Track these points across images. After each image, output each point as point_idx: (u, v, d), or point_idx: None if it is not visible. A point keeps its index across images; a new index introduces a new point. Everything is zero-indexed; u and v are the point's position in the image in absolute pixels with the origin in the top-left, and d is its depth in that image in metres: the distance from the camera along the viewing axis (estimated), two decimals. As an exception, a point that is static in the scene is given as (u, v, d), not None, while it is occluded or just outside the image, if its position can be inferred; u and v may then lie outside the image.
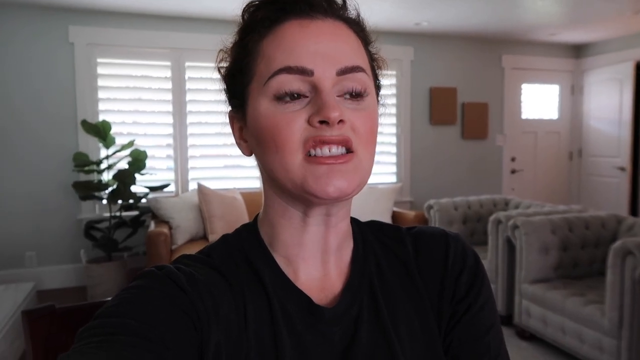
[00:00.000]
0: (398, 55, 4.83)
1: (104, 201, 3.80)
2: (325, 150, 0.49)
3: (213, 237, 3.69)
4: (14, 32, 3.76)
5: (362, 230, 0.63)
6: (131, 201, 3.70)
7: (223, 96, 0.61)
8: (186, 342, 0.46)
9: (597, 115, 5.42)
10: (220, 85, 0.60)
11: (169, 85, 4.17)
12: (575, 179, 5.73)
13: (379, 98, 0.59)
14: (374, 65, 0.58)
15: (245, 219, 3.93)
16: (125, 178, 3.59)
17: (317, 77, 0.50)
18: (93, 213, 4.00)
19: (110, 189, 3.63)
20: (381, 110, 0.60)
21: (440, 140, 5.10)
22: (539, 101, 5.60)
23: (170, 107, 4.18)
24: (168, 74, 4.17)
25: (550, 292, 2.68)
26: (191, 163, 4.29)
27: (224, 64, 0.59)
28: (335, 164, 0.49)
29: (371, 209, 4.22)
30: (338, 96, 0.51)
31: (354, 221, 0.63)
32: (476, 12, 4.20)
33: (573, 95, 5.69)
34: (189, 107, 4.23)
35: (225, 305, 0.52)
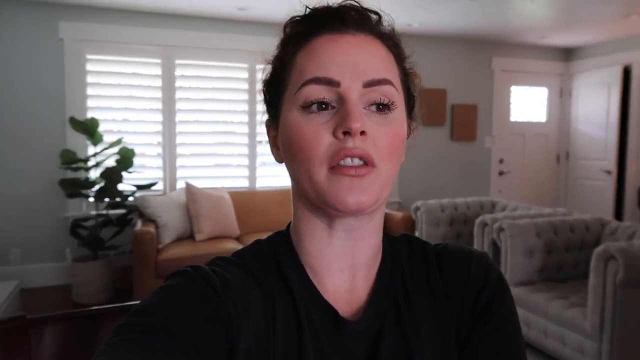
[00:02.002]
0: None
1: (91, 199, 3.78)
2: (348, 160, 0.50)
3: (200, 237, 3.68)
4: (2, 26, 3.71)
5: (392, 246, 0.63)
6: (118, 199, 3.68)
7: (262, 106, 0.63)
8: (216, 346, 0.48)
9: (584, 119, 5.47)
10: (260, 96, 0.63)
11: (159, 82, 4.15)
12: (562, 181, 5.79)
13: (413, 114, 0.61)
14: (407, 80, 0.60)
15: (233, 218, 3.93)
16: (112, 176, 3.56)
17: (343, 88, 0.51)
18: (79, 211, 3.97)
19: (97, 186, 3.60)
20: (414, 125, 0.62)
21: (429, 142, 5.12)
22: (528, 104, 5.65)
23: (160, 105, 4.16)
24: (158, 71, 4.15)
25: (534, 295, 2.70)
26: (180, 161, 4.27)
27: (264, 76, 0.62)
28: (356, 176, 0.50)
29: (359, 209, 4.22)
30: (364, 108, 0.52)
31: (385, 236, 0.63)
32: (467, 14, 4.22)
33: (561, 98, 5.73)
34: (179, 105, 4.21)
35: (256, 311, 0.53)
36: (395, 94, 0.54)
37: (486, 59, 5.32)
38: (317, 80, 0.51)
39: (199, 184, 3.98)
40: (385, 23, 0.58)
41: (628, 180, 5.01)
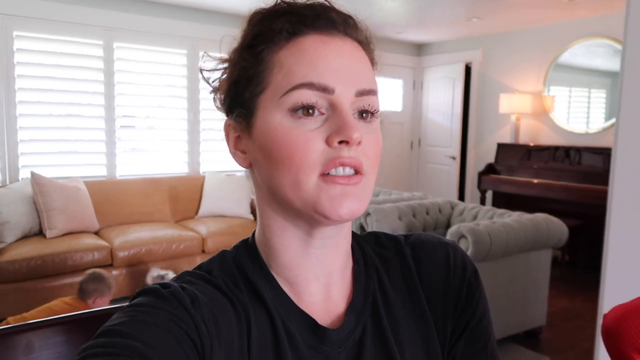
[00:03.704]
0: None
1: None
2: (340, 170, 0.49)
3: (52, 233, 3.30)
4: None
5: (360, 245, 0.62)
6: (-57, 193, 3.11)
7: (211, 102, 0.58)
8: None
9: (434, 109, 6.05)
10: (211, 91, 0.58)
11: (-9, 56, 3.58)
12: (415, 166, 6.34)
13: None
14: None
15: (91, 211, 3.59)
16: None
17: (337, 95, 0.49)
18: None
19: None
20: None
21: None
22: (386, 94, 6.05)
23: (-7, 83, 3.59)
24: (-10, 43, 3.57)
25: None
26: (22, 148, 3.75)
27: (213, 69, 0.57)
28: (348, 184, 0.49)
29: (230, 197, 4.15)
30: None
31: (352, 236, 0.61)
32: (332, 6, 4.34)
33: (414, 90, 6.25)
34: (20, 84, 3.69)
35: (228, 328, 0.51)
36: (378, 103, 0.53)
37: (349, 49, 5.55)
38: (311, 86, 0.49)
39: (47, 173, 3.54)
40: (361, 29, 0.56)
41: (469, 165, 5.67)
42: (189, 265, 3.67)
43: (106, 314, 0.77)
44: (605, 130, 4.40)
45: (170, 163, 4.45)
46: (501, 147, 5.00)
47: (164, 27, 4.25)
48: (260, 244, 0.57)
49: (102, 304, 2.51)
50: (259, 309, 0.54)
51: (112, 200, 3.81)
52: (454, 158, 5.75)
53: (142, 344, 0.44)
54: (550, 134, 4.86)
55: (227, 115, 0.56)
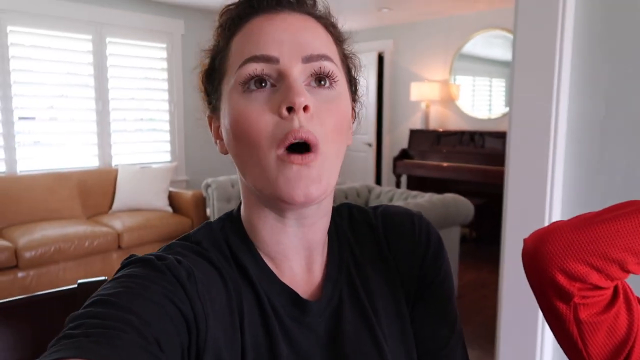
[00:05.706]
0: (168, 28, 4.63)
1: None
2: (292, 138, 0.48)
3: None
4: None
5: (334, 219, 0.62)
6: None
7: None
8: (177, 345, 0.45)
9: (350, 97, 6.19)
10: (199, 88, 0.60)
11: None
12: (333, 153, 6.47)
13: (357, 96, 0.61)
14: (348, 62, 0.59)
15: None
16: None
17: (282, 64, 0.50)
18: None
19: None
20: (359, 107, 0.62)
21: (215, 118, 5.11)
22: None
23: None
24: None
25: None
26: None
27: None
28: (302, 164, 0.48)
29: (146, 190, 4.01)
30: (306, 85, 0.51)
31: None
32: None
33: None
34: None
35: (222, 304, 0.51)
36: (335, 69, 0.53)
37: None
38: (255, 59, 0.50)
39: None
40: (320, 7, 0.57)
41: (384, 151, 5.89)
42: (103, 263, 3.51)
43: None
44: (505, 115, 4.76)
45: (78, 156, 4.20)
46: (413, 133, 5.25)
47: (66, 10, 3.97)
48: (243, 219, 0.59)
49: None
50: (246, 283, 0.55)
51: (13, 197, 3.53)
52: (370, 145, 5.94)
53: (137, 318, 0.42)
54: (457, 120, 5.18)
55: (208, 109, 0.59)
